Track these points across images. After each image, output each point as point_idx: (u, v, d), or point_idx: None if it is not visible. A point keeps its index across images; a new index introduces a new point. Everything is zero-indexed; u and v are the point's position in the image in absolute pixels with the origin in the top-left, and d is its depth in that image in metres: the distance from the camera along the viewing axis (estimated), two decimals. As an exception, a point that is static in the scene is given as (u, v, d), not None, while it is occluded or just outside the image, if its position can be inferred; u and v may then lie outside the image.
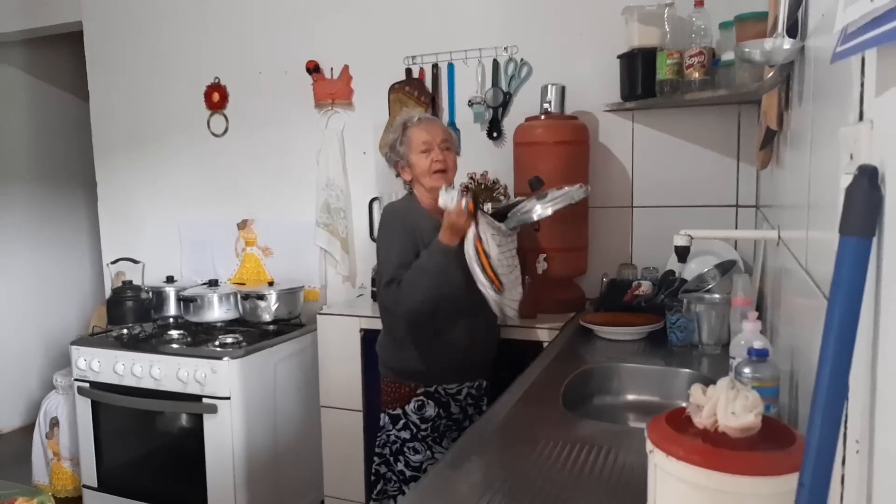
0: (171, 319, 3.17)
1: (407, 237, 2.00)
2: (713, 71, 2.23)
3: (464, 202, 1.85)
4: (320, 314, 2.74)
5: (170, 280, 3.31)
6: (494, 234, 1.91)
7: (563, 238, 2.49)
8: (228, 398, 2.60)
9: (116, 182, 3.67)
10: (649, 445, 0.84)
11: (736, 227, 2.51)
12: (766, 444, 0.80)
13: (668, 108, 2.54)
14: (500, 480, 1.16)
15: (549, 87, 2.54)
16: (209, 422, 2.63)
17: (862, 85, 0.63)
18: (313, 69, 3.09)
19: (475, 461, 1.27)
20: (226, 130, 3.37)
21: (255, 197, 3.34)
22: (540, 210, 1.97)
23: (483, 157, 2.83)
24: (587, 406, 1.73)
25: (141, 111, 3.56)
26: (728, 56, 2.16)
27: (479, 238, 1.88)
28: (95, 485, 2.94)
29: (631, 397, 1.82)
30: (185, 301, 3.03)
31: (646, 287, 2.34)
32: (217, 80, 3.35)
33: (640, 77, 2.37)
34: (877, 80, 0.59)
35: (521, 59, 2.76)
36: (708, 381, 0.86)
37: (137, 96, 3.56)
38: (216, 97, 3.35)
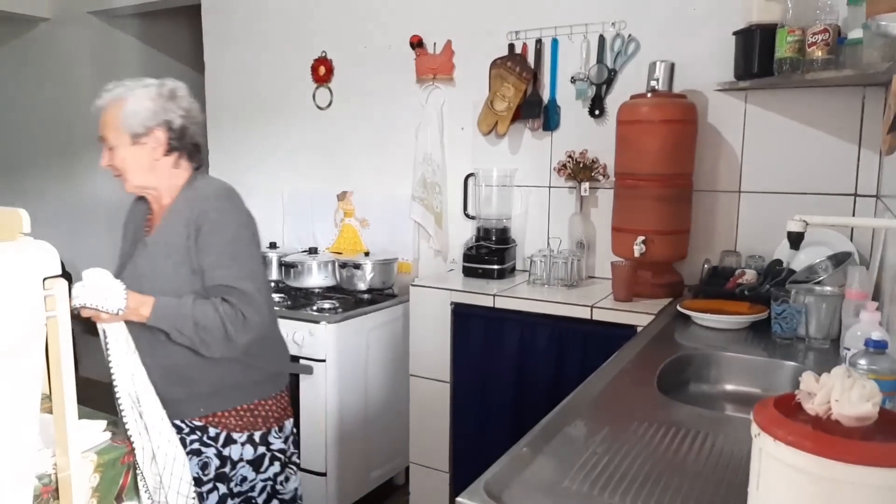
0: (273, 283, 3.32)
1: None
2: (838, 49, 2.09)
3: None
4: (413, 285, 2.79)
5: (272, 246, 3.46)
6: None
7: (664, 220, 2.42)
8: (324, 360, 2.71)
9: (226, 152, 3.84)
10: (755, 429, 0.82)
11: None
12: (882, 436, 0.77)
13: (785, 89, 2.41)
14: (590, 456, 1.16)
15: (658, 63, 2.46)
16: (305, 382, 2.75)
17: None
18: (417, 44, 3.12)
19: (566, 434, 1.26)
20: (330, 104, 3.47)
21: (355, 169, 3.43)
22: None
23: (583, 136, 2.79)
24: (683, 392, 1.69)
25: (251, 83, 3.71)
26: (855, 34, 2.02)
27: None
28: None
29: (729, 387, 1.76)
30: (287, 266, 3.17)
31: (750, 276, 2.25)
32: (324, 54, 3.45)
33: (758, 55, 2.26)
34: None
35: (629, 35, 2.68)
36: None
37: (248, 69, 3.71)
38: (322, 70, 3.45)
